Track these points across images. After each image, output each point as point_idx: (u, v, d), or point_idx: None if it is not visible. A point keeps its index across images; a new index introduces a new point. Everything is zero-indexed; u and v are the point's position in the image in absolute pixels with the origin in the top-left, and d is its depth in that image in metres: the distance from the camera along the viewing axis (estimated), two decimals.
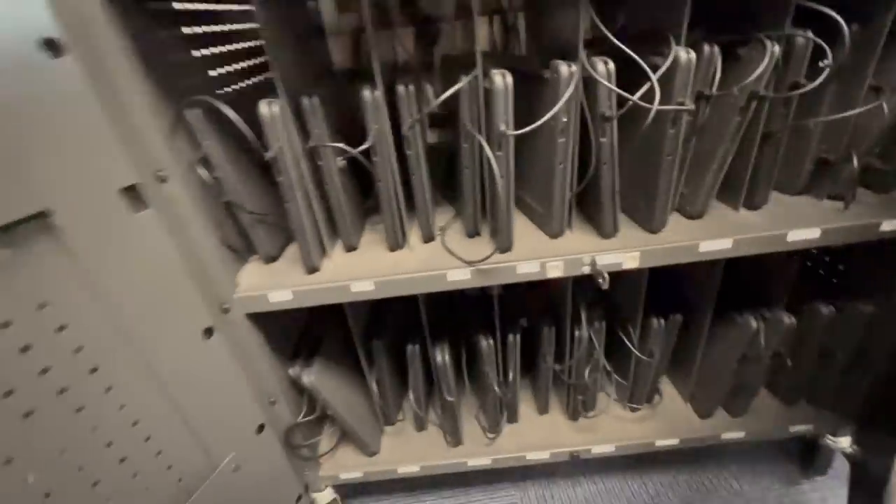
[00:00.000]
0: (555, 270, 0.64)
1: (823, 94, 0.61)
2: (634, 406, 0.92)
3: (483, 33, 0.93)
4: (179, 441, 0.61)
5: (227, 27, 0.77)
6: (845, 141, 0.65)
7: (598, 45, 0.59)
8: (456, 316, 0.95)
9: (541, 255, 0.65)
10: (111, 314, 0.50)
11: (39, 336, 0.45)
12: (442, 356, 0.81)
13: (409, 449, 0.94)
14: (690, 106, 0.54)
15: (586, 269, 0.64)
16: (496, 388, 0.83)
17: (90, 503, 0.51)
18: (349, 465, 0.91)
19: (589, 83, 0.57)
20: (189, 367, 0.60)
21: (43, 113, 0.42)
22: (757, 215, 0.68)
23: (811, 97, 0.59)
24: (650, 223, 0.66)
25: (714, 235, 0.63)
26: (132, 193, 0.50)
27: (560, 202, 0.65)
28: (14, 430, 0.44)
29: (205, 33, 0.69)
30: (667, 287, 0.81)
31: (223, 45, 0.74)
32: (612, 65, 0.54)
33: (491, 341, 0.81)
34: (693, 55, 0.53)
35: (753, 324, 0.76)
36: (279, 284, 0.66)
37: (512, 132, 0.55)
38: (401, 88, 0.60)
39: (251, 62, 0.85)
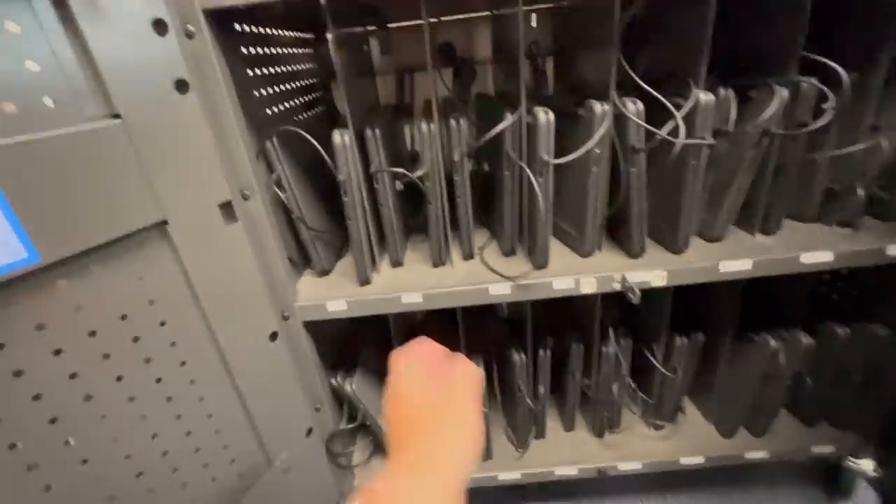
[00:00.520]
0: (588, 286, 0.70)
1: (828, 132, 0.68)
2: (659, 424, 0.95)
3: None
4: (243, 435, 0.66)
5: (290, 68, 0.87)
6: (850, 173, 0.72)
7: (622, 87, 0.68)
8: (488, 332, 1.00)
9: (575, 272, 0.71)
10: (200, 313, 0.57)
11: (148, 331, 0.52)
12: None
13: None
14: (712, 141, 0.62)
15: (617, 286, 0.70)
16: (529, 402, 0.87)
17: (171, 489, 0.56)
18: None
19: (618, 120, 0.65)
20: (256, 367, 0.66)
21: (170, 138, 0.50)
22: (772, 240, 0.75)
23: (818, 134, 0.66)
24: (674, 245, 0.72)
25: (733, 256, 0.69)
26: (227, 208, 0.58)
27: (592, 224, 0.72)
28: (116, 411, 0.50)
29: (276, 73, 0.79)
30: (689, 308, 0.87)
31: (290, 83, 0.84)
32: (640, 104, 0.62)
33: (523, 356, 0.86)
34: (711, 97, 0.61)
35: (773, 343, 0.80)
36: (335, 295, 0.72)
37: (553, 160, 0.63)
38: (452, 123, 0.68)
39: (308, 97, 0.95)
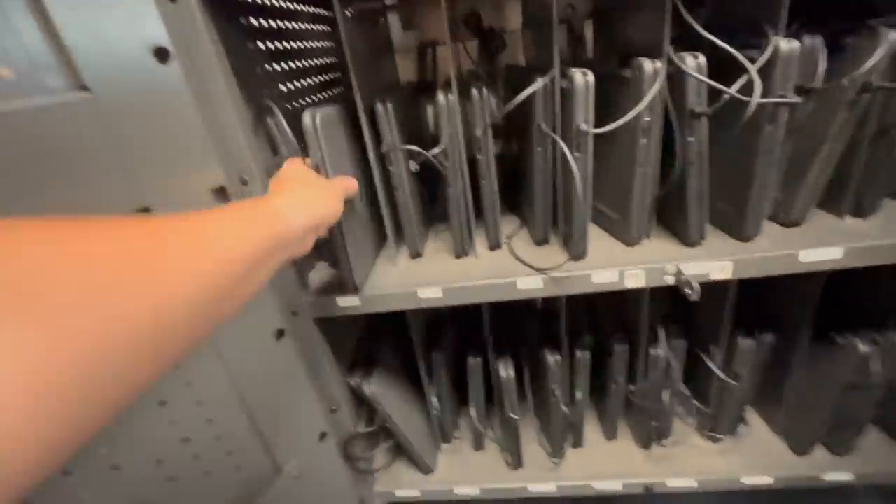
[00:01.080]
0: (634, 280, 0.60)
1: None
2: (716, 436, 0.83)
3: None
4: (248, 442, 0.61)
5: (304, 44, 0.81)
6: None
7: (677, 44, 0.57)
8: (518, 330, 0.91)
9: (618, 263, 0.61)
10: None
11: None
12: (506, 371, 0.78)
13: (466, 469, 0.90)
14: (796, 99, 0.50)
15: (670, 279, 0.60)
16: (564, 407, 0.78)
17: (170, 497, 0.52)
18: (405, 483, 0.89)
19: (673, 80, 0.54)
20: (261, 367, 0.60)
21: (150, 114, 0.45)
22: (866, 223, 0.61)
23: None
24: (741, 230, 0.60)
25: (817, 244, 0.57)
26: (221, 194, 0.52)
27: (639, 208, 0.61)
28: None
29: (283, 49, 0.73)
30: (755, 303, 0.74)
31: (299, 60, 0.78)
32: (702, 59, 0.51)
33: (558, 357, 0.76)
34: (795, 44, 0.49)
35: (862, 347, 0.67)
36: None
37: (593, 130, 0.53)
38: (474, 92, 0.59)
39: (322, 77, 0.88)
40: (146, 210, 0.46)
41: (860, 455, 0.79)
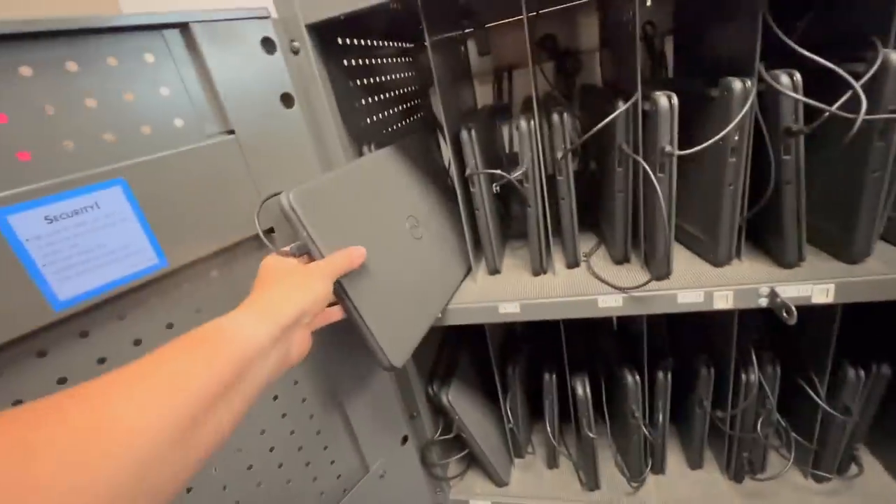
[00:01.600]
0: (723, 301, 0.58)
1: None
2: (822, 475, 0.76)
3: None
4: (341, 438, 0.67)
5: (389, 77, 0.89)
6: None
7: (767, 61, 0.55)
8: (593, 348, 0.90)
9: (705, 284, 0.59)
10: None
11: None
12: (583, 389, 0.78)
13: (540, 485, 0.90)
14: None
15: (764, 302, 0.57)
16: (644, 429, 0.76)
17: (278, 483, 0.59)
18: (478, 493, 0.91)
19: (764, 97, 0.53)
20: (355, 371, 0.67)
21: (277, 150, 0.53)
22: None
23: None
24: (848, 251, 0.56)
25: None
26: None
27: (728, 227, 0.60)
28: None
29: (376, 83, 0.81)
30: (869, 331, 0.68)
31: (389, 92, 0.85)
32: (798, 76, 0.50)
33: (638, 377, 0.75)
34: None
35: None
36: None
37: (678, 152, 0.53)
38: (555, 117, 0.62)
39: (407, 105, 0.96)
40: (271, 231, 0.54)
41: None
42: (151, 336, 0.46)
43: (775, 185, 0.55)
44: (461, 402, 0.82)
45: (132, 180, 0.42)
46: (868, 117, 0.45)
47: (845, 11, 0.55)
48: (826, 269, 0.57)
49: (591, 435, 0.79)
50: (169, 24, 0.45)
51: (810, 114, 0.50)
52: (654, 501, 0.82)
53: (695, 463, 0.85)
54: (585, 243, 0.79)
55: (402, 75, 0.95)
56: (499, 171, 0.62)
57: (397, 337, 0.54)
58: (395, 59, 0.91)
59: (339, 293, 0.48)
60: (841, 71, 0.47)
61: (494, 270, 0.75)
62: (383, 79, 0.83)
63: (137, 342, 0.45)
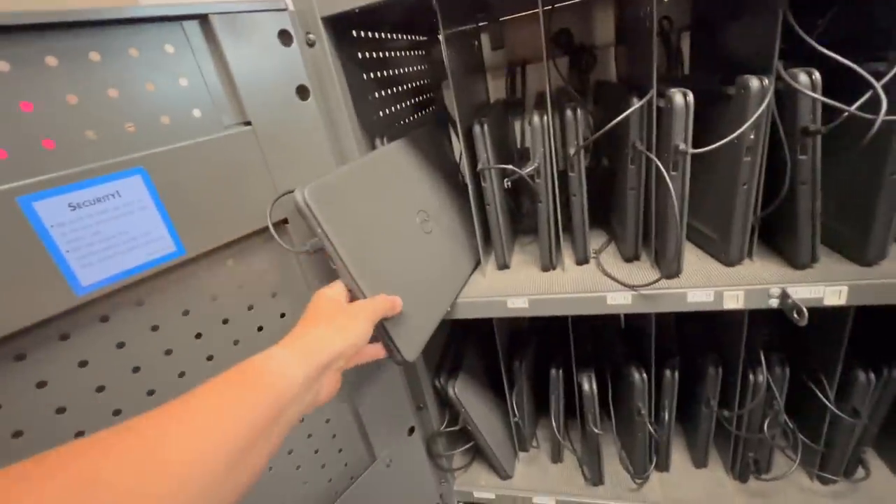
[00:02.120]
0: (733, 301, 0.58)
1: None
2: (828, 477, 0.76)
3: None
4: (350, 427, 0.68)
5: (401, 70, 0.89)
6: None
7: (785, 59, 0.54)
8: (600, 345, 0.91)
9: (716, 283, 0.59)
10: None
11: (270, 321, 0.56)
12: (589, 385, 0.78)
13: (544, 479, 0.91)
14: None
15: (774, 303, 0.57)
16: (649, 426, 0.77)
17: (288, 470, 0.61)
18: (482, 485, 0.92)
19: (781, 96, 0.53)
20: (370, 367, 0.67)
21: (293, 142, 0.54)
22: None
23: None
24: (862, 253, 0.56)
25: None
26: None
27: (740, 226, 0.59)
28: None
29: (389, 76, 0.81)
30: (877, 333, 0.67)
31: (402, 85, 0.86)
32: (817, 75, 0.49)
33: (644, 375, 0.75)
34: None
35: None
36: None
37: (692, 150, 0.53)
38: (568, 113, 0.62)
39: (419, 99, 0.96)
40: (285, 221, 0.54)
41: None
42: (168, 322, 0.47)
43: (790, 185, 0.54)
44: (467, 395, 0.83)
45: (152, 170, 0.43)
46: (888, 118, 0.45)
47: (867, 10, 0.54)
48: (839, 270, 0.57)
49: (596, 431, 0.79)
50: (189, 15, 0.46)
51: (827, 113, 0.50)
52: (657, 498, 0.82)
53: (699, 462, 0.85)
54: (595, 240, 0.79)
55: (415, 68, 0.95)
56: (511, 167, 0.62)
57: (409, 332, 0.54)
58: (408, 53, 0.91)
59: (348, 283, 0.49)
60: (861, 70, 0.46)
61: (504, 265, 0.76)
62: (396, 72, 0.83)
63: (155, 328, 0.46)
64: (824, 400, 0.69)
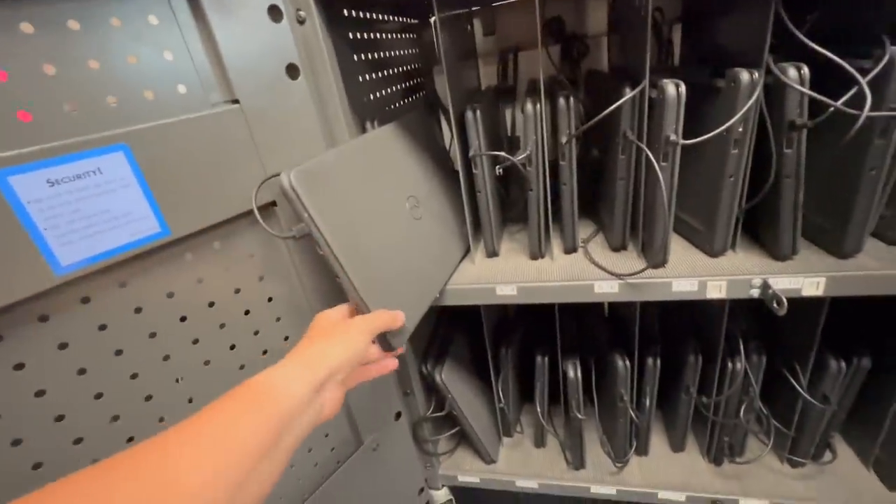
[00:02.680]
0: (716, 291, 0.60)
1: None
2: (797, 460, 0.79)
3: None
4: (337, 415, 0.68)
5: (392, 53, 0.87)
6: None
7: (775, 53, 0.55)
8: (585, 333, 0.92)
9: (700, 273, 0.61)
10: (304, 292, 0.60)
11: (257, 305, 0.55)
12: (574, 371, 0.79)
13: (527, 463, 0.92)
14: None
15: (755, 293, 0.58)
16: (632, 412, 0.79)
17: None
18: (467, 469, 0.93)
19: (770, 90, 0.53)
20: None
21: (282, 122, 0.52)
22: None
23: None
24: (839, 246, 0.58)
25: None
26: None
27: (725, 218, 0.61)
28: (229, 377, 0.54)
29: (379, 58, 0.79)
30: (848, 321, 0.70)
31: (392, 68, 0.84)
32: (806, 70, 0.50)
33: (628, 363, 0.77)
34: None
35: None
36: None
37: (683, 141, 0.54)
38: (561, 102, 0.62)
39: (409, 83, 0.95)
40: (273, 204, 0.53)
41: None
42: (152, 304, 0.46)
43: (775, 179, 0.56)
44: (454, 381, 0.84)
45: (135, 146, 0.41)
46: (872, 114, 0.46)
47: (855, 7, 0.55)
48: (818, 262, 0.59)
49: (579, 416, 0.81)
50: None
51: (813, 109, 0.51)
52: (636, 481, 0.85)
53: (677, 446, 0.88)
54: (584, 230, 0.80)
55: (406, 52, 0.93)
56: (503, 154, 0.62)
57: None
58: (399, 35, 0.90)
59: (336, 270, 0.48)
60: (847, 66, 0.47)
61: (493, 253, 0.76)
62: (387, 55, 0.82)
63: (138, 310, 0.45)
64: (797, 387, 0.72)
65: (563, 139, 0.62)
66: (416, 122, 0.77)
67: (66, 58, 0.38)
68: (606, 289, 0.64)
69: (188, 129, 0.45)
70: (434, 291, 0.66)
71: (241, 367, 0.55)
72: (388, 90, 0.81)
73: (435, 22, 0.58)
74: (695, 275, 0.60)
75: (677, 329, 0.83)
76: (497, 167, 0.64)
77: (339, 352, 0.40)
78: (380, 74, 0.78)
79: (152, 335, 0.47)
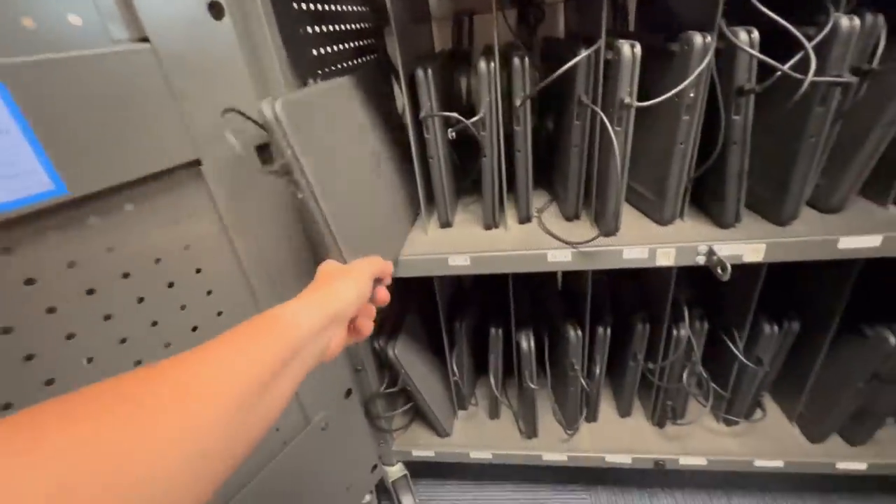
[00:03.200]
0: (665, 258, 0.60)
1: None
2: (731, 419, 0.84)
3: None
4: None
5: (341, 7, 0.80)
6: None
7: (727, 18, 0.55)
8: (540, 305, 0.92)
9: (650, 241, 0.61)
10: (238, 264, 0.54)
11: (183, 277, 0.50)
12: (527, 342, 0.79)
13: (481, 435, 0.93)
14: (851, 79, 0.48)
15: (701, 259, 0.60)
16: (583, 381, 0.80)
17: None
18: (421, 444, 0.92)
19: (722, 55, 0.53)
20: None
21: (204, 69, 0.46)
22: None
23: None
24: (778, 214, 0.60)
25: (857, 231, 0.56)
26: (266, 152, 0.54)
27: (675, 186, 0.61)
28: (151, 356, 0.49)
29: (325, 11, 0.73)
30: (781, 288, 0.74)
31: (341, 24, 0.77)
32: (756, 33, 0.50)
33: (580, 332, 0.78)
34: (856, 22, 0.48)
35: (892, 340, 0.66)
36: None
37: (636, 104, 0.53)
38: (515, 61, 0.59)
39: (356, 44, 0.88)
40: (198, 162, 0.47)
41: (875, 446, 0.79)
42: (48, 275, 0.40)
43: (722, 146, 0.56)
44: (408, 356, 0.82)
45: (13, 84, 0.34)
46: (815, 79, 0.47)
47: None
48: (758, 230, 0.61)
49: (532, 386, 0.81)
50: None
51: (765, 77, 0.51)
52: (585, 447, 0.87)
53: (625, 411, 0.91)
54: (540, 200, 0.79)
55: (355, 8, 0.86)
56: (455, 115, 0.59)
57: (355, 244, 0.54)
58: None
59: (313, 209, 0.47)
60: (794, 30, 0.47)
61: (446, 223, 0.73)
62: (333, 8, 0.75)
63: (30, 281, 0.39)
64: (735, 351, 0.75)
65: (518, 102, 0.59)
66: (372, 80, 0.72)
67: None
68: (559, 258, 0.63)
69: (84, 69, 0.38)
70: (396, 252, 0.64)
71: (167, 345, 0.50)
72: (336, 47, 0.75)
73: None
74: (645, 243, 0.61)
75: (627, 299, 0.85)
76: (449, 130, 0.61)
77: (348, 291, 0.42)
78: (325, 29, 0.72)
79: (51, 310, 0.40)
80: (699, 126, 0.57)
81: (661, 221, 0.64)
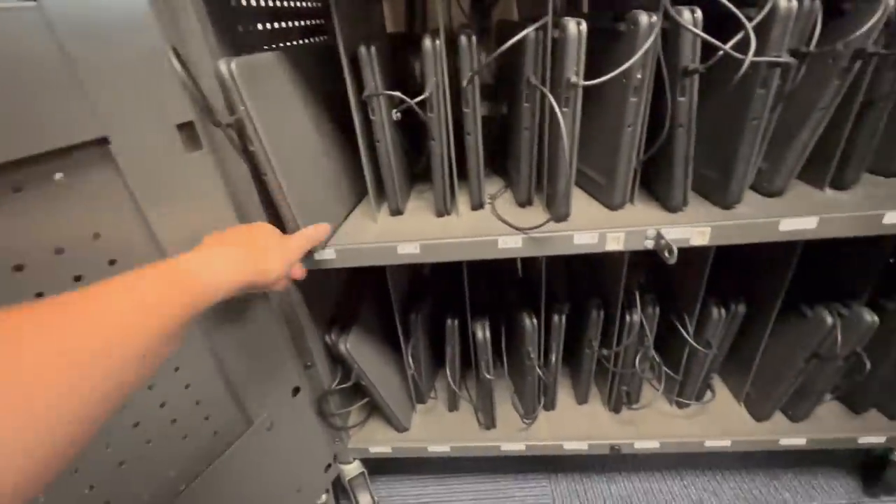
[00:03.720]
0: (615, 243, 0.60)
1: None
2: (683, 402, 0.86)
3: None
4: (217, 393, 0.60)
5: None
6: None
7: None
8: (497, 294, 0.91)
9: (600, 226, 0.60)
10: (160, 252, 0.50)
11: (92, 269, 0.45)
12: (483, 332, 0.78)
13: (440, 428, 0.91)
14: (789, 59, 0.49)
15: (650, 244, 0.59)
16: (538, 370, 0.79)
17: (131, 443, 0.51)
18: (378, 440, 0.90)
19: (668, 37, 0.53)
20: (233, 318, 0.59)
21: (109, 37, 0.41)
22: (846, 195, 0.62)
23: None
24: (723, 197, 0.60)
25: (797, 213, 0.57)
26: (188, 131, 0.49)
27: (625, 170, 0.60)
28: None
29: None
30: (728, 273, 0.75)
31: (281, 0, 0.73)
32: (699, 13, 0.49)
33: (535, 321, 0.77)
34: (794, 3, 0.48)
35: (829, 320, 0.69)
36: (323, 243, 0.64)
37: (583, 83, 0.51)
38: (462, 39, 0.56)
39: (306, 23, 0.83)
40: (104, 140, 0.42)
41: (816, 422, 0.82)
42: None
43: (669, 129, 0.56)
44: (361, 351, 0.79)
45: None
46: (756, 59, 0.47)
47: None
48: (704, 213, 0.61)
49: (488, 377, 0.80)
50: None
51: (706, 58, 0.51)
52: (543, 435, 0.87)
53: (582, 398, 0.91)
54: (493, 186, 0.77)
55: None
56: (399, 94, 0.56)
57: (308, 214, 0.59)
58: None
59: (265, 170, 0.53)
60: (735, 10, 0.47)
61: (397, 211, 0.70)
62: None
63: None
64: (685, 334, 0.77)
65: (465, 82, 0.57)
66: (320, 59, 0.68)
67: None
68: (510, 244, 0.61)
69: None
70: (339, 217, 0.68)
71: None
72: (279, 24, 0.70)
73: None
74: (595, 228, 0.60)
75: (582, 286, 0.85)
76: (394, 111, 0.58)
77: (257, 273, 0.44)
78: (264, 3, 0.67)
79: None
80: (647, 108, 0.56)
81: (612, 206, 0.64)
